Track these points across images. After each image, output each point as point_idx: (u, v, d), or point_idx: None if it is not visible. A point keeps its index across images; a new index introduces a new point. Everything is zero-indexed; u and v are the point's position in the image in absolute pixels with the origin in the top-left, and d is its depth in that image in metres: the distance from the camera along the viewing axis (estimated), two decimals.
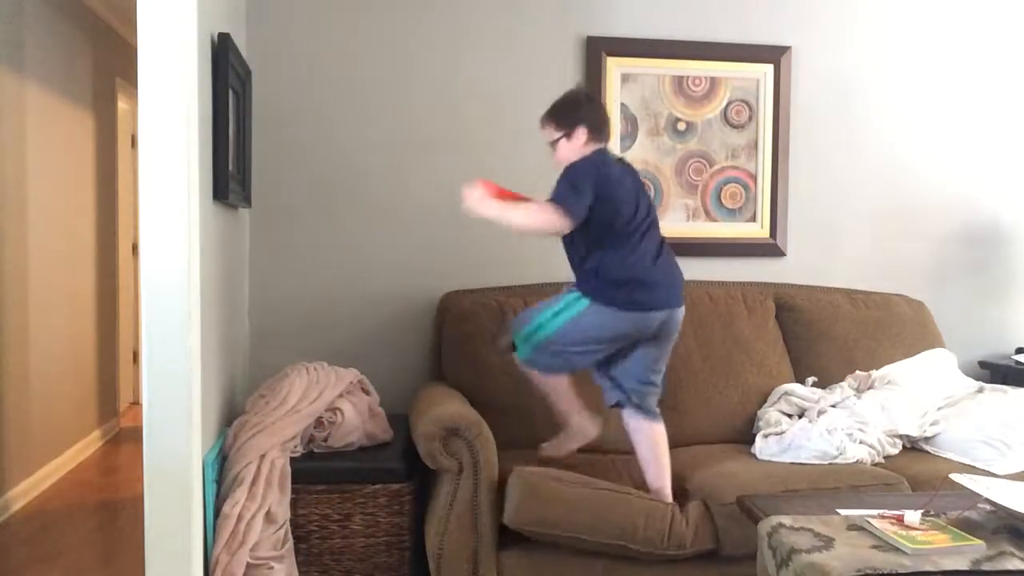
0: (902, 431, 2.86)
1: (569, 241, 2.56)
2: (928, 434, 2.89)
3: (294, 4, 3.22)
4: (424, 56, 3.29)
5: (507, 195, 2.52)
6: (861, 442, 2.73)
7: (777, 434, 2.80)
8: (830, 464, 2.65)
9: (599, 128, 2.55)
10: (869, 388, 3.01)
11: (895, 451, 2.81)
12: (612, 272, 2.48)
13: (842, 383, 3.07)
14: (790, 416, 2.93)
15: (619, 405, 2.60)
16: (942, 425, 2.89)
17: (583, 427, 2.67)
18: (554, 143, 2.57)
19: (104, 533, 3.39)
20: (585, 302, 2.48)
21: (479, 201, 2.46)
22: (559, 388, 2.63)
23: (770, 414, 2.93)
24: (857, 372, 3.09)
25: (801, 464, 2.66)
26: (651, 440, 2.57)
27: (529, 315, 2.59)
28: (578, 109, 2.55)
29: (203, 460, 2.34)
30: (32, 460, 3.82)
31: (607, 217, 2.45)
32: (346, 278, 3.27)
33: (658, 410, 2.60)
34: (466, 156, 3.32)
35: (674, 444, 2.95)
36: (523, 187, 3.32)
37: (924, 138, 3.66)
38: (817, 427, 2.74)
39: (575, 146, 2.53)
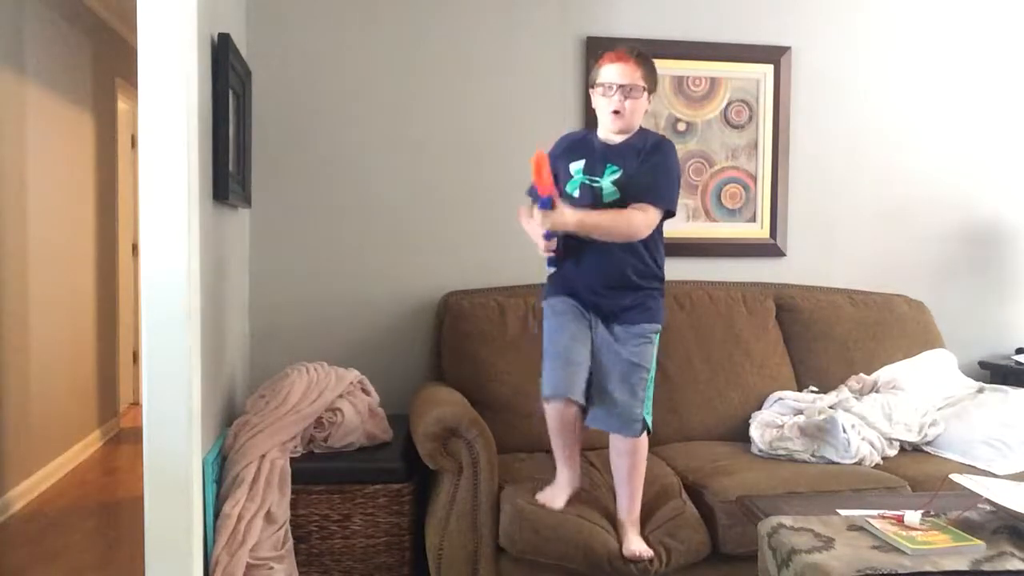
0: (901, 438, 2.84)
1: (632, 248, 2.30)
2: (928, 436, 2.88)
3: (294, 4, 3.22)
4: (424, 56, 3.29)
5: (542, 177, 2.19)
6: (863, 438, 2.72)
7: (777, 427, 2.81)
8: (828, 464, 2.65)
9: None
10: (872, 391, 2.99)
11: (893, 452, 2.80)
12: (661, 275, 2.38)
13: (844, 385, 3.04)
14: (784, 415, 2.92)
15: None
16: (942, 425, 2.89)
17: (574, 479, 2.42)
18: (634, 92, 2.28)
19: (104, 533, 3.39)
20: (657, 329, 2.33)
21: (570, 219, 2.21)
22: (572, 433, 2.37)
23: (764, 415, 2.92)
24: (860, 375, 3.07)
25: (803, 462, 2.67)
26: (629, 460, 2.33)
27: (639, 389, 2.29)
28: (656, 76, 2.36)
29: (203, 460, 2.34)
30: (32, 460, 3.82)
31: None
32: (346, 278, 3.27)
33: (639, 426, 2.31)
34: (465, 156, 3.32)
35: (674, 444, 2.97)
36: (521, 185, 3.36)
37: (924, 138, 3.65)
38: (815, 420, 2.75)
39: (643, 108, 2.34)
